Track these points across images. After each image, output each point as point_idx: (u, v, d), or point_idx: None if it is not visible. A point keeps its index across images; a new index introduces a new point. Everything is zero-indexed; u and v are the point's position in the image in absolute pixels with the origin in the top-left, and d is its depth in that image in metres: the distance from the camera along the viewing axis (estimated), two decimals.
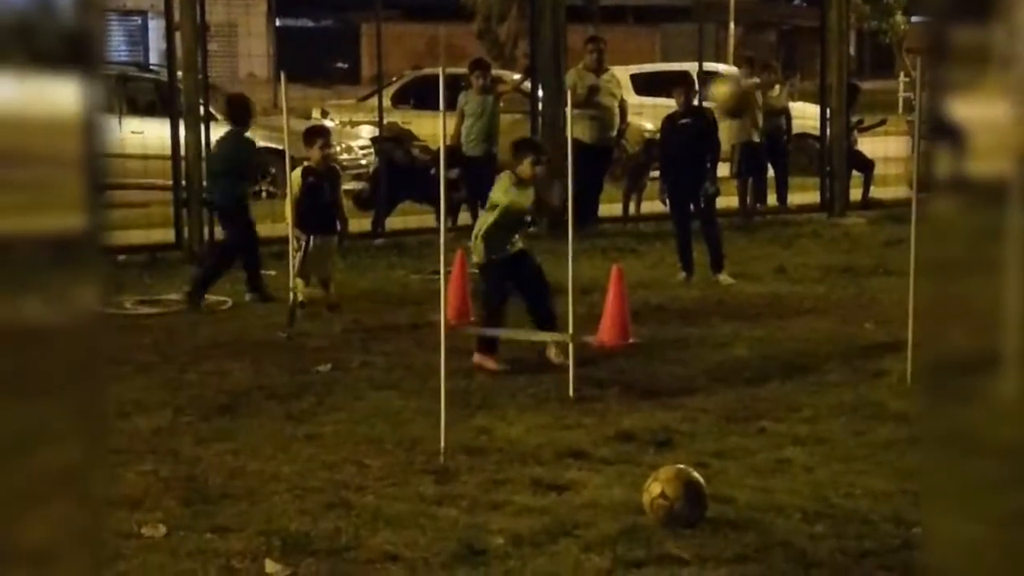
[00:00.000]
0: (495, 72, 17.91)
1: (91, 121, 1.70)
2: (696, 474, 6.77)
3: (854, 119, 18.52)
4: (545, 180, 10.13)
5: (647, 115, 20.12)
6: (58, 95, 1.69)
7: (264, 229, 15.14)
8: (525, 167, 9.84)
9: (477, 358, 9.66)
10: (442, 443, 7.65)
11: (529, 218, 10.28)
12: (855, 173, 18.23)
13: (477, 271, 10.08)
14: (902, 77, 36.55)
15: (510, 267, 9.86)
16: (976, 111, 2.19)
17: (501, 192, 9.83)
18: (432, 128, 13.85)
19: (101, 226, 1.71)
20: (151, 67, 22.07)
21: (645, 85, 22.66)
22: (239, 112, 12.68)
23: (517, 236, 9.98)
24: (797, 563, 6.07)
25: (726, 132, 15.43)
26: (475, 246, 9.89)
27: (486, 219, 9.90)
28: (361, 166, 18.59)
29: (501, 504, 6.86)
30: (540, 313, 9.93)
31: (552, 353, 9.79)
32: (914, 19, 40.90)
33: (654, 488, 6.56)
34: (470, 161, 15.42)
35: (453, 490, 7.10)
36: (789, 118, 18.52)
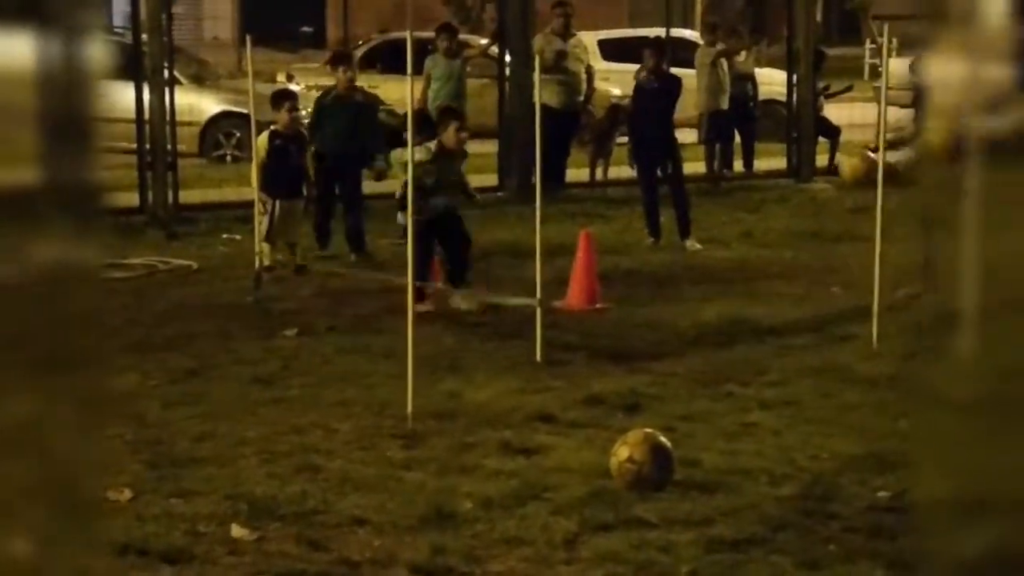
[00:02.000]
0: (462, 37, 17.86)
1: (48, 75, 1.66)
2: (664, 438, 6.78)
3: (820, 85, 18.53)
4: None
5: (615, 81, 20.08)
6: (13, 49, 1.65)
7: (230, 193, 15.09)
8: (450, 134, 10.05)
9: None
10: (410, 407, 7.63)
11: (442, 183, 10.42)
12: (821, 139, 18.24)
13: None
14: (868, 43, 36.57)
15: (435, 226, 10.09)
16: (936, 70, 2.17)
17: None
18: (399, 92, 13.77)
19: (62, 181, 1.68)
20: (115, 29, 21.89)
21: (613, 50, 22.62)
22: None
23: (440, 199, 10.16)
24: (764, 525, 6.09)
25: (694, 99, 15.44)
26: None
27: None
28: None
29: (469, 468, 6.86)
30: (453, 266, 10.31)
31: (458, 301, 10.10)
32: None
33: (622, 452, 6.56)
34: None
35: (421, 454, 7.09)
36: (755, 84, 18.50)
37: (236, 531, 6.06)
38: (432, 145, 10.17)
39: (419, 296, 9.77)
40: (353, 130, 12.56)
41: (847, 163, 15.10)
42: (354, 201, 12.69)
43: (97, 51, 1.70)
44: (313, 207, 12.40)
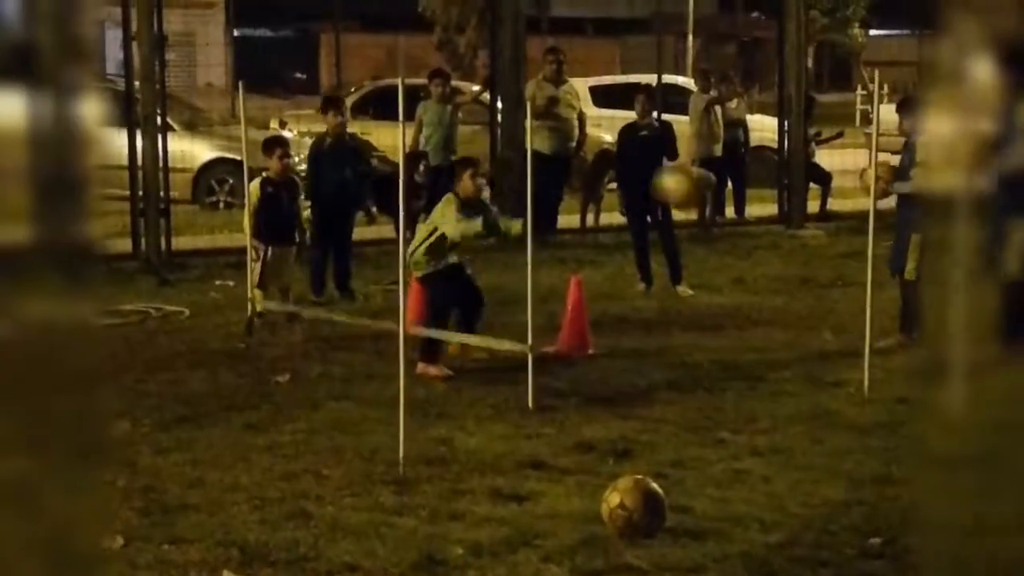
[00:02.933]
0: (454, 83, 17.93)
1: (38, 132, 1.69)
2: (655, 484, 6.78)
3: (811, 131, 18.62)
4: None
5: (606, 127, 20.17)
6: (4, 107, 1.68)
7: (223, 239, 15.12)
8: (466, 184, 10.07)
9: (420, 367, 9.69)
10: (401, 453, 7.63)
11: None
12: (812, 185, 18.32)
13: (420, 282, 10.25)
14: (859, 90, 36.76)
15: (452, 276, 10.11)
16: (928, 126, 2.20)
17: (446, 222, 9.99)
18: (392, 138, 13.82)
19: (53, 238, 1.70)
20: (108, 76, 21.97)
21: (604, 97, 22.72)
22: None
23: (454, 253, 10.20)
24: (755, 573, 6.09)
25: (685, 146, 15.50)
26: (415, 261, 10.07)
27: (425, 238, 10.07)
28: None
29: (460, 514, 6.86)
30: (469, 323, 10.20)
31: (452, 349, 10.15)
32: (872, 32, 41.19)
33: (613, 498, 6.57)
34: (431, 170, 15.43)
35: (412, 500, 7.09)
36: (747, 130, 18.60)
37: None
38: (455, 203, 10.09)
39: (431, 355, 9.80)
40: (348, 175, 12.67)
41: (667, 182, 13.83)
42: (345, 245, 12.86)
43: (90, 108, 1.73)
44: (307, 254, 12.43)
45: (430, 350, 9.79)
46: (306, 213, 12.21)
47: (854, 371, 9.30)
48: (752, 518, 6.78)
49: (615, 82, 24.29)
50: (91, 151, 1.75)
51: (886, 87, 14.41)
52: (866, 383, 9.03)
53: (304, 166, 17.89)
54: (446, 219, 10.07)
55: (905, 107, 10.90)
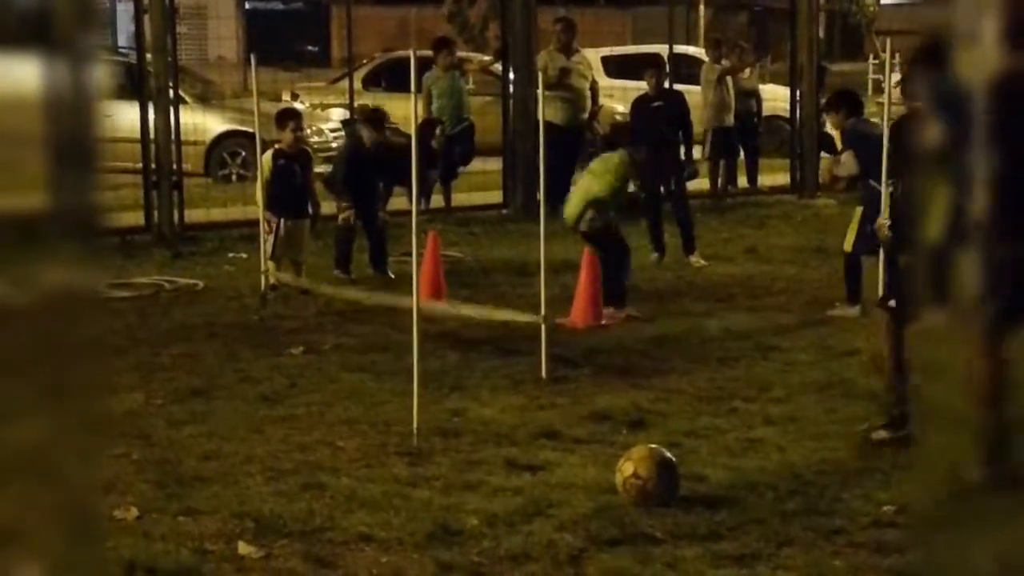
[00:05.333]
0: (464, 54, 17.91)
1: (54, 100, 1.69)
2: (669, 453, 6.79)
3: (823, 101, 18.55)
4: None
5: (618, 98, 20.12)
6: (20, 74, 1.68)
7: (235, 212, 15.13)
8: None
9: (607, 314, 10.38)
10: (415, 424, 7.65)
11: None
12: (825, 155, 18.26)
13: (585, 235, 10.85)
14: (871, 59, 36.58)
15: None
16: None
17: (616, 177, 10.78)
18: (403, 110, 13.81)
19: (69, 205, 1.70)
20: (120, 49, 21.95)
21: (616, 67, 22.66)
22: None
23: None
24: (769, 541, 6.10)
25: (699, 115, 15.48)
26: (579, 214, 10.79)
27: (594, 190, 10.77)
28: (332, 149, 18.55)
29: (475, 485, 6.87)
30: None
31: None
32: (884, 1, 41.00)
33: (627, 468, 6.58)
34: (445, 138, 15.39)
35: (427, 471, 7.10)
36: (760, 100, 18.54)
37: (243, 549, 6.08)
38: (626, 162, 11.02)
39: (619, 300, 10.62)
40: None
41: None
42: (374, 222, 12.53)
43: (102, 75, 1.74)
44: (321, 226, 12.34)
45: (616, 293, 10.44)
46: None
47: (867, 340, 9.29)
48: (766, 486, 6.79)
49: (627, 52, 24.21)
50: (103, 120, 1.74)
51: (898, 56, 14.29)
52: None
53: (316, 138, 17.94)
54: (616, 172, 10.85)
55: (832, 105, 11.07)
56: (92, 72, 1.71)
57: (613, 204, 10.79)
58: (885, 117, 9.77)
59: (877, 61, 33.14)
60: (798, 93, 18.26)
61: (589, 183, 10.89)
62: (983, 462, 4.87)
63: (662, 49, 18.33)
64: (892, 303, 7.42)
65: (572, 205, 10.87)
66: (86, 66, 1.72)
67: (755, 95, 18.32)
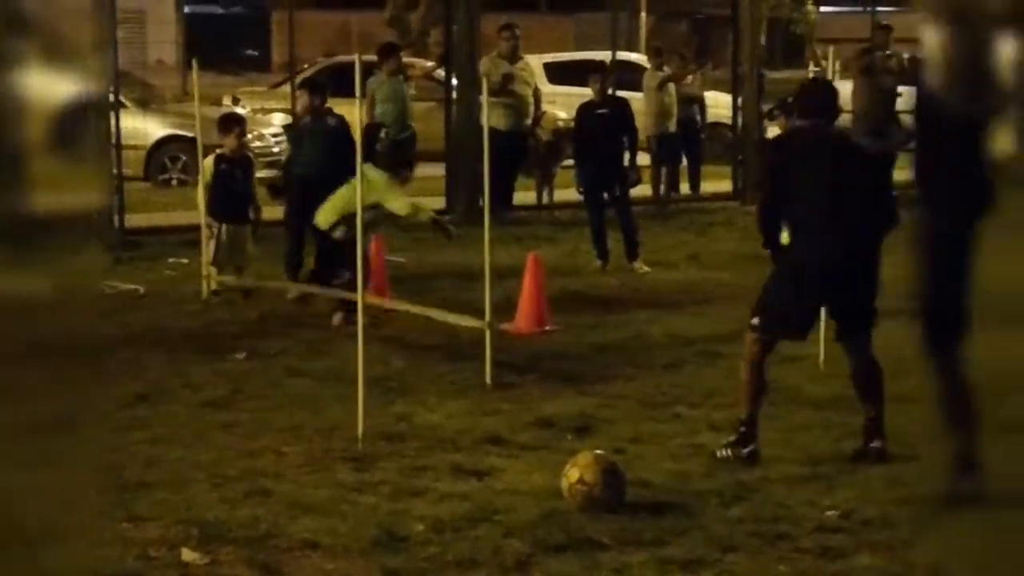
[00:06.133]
0: (407, 60, 17.88)
1: None
2: (614, 459, 6.81)
3: (766, 108, 18.67)
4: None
5: (561, 104, 20.16)
6: None
7: (176, 217, 15.03)
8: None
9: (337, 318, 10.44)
10: (360, 430, 7.63)
11: None
12: None
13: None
14: (812, 67, 36.80)
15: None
16: None
17: (391, 196, 10.59)
18: (347, 115, 13.76)
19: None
20: None
21: (559, 74, 22.70)
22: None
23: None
24: (715, 546, 6.13)
25: (642, 122, 15.53)
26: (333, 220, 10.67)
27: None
28: (274, 154, 18.46)
29: (421, 490, 6.86)
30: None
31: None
32: (824, 9, 41.31)
33: (573, 473, 6.59)
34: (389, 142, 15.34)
35: (372, 477, 7.08)
36: (703, 107, 18.63)
37: (187, 555, 6.04)
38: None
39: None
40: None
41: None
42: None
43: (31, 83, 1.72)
44: (262, 231, 12.25)
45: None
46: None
47: (810, 346, 9.33)
48: (711, 492, 6.82)
49: (569, 59, 24.27)
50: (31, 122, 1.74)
51: (838, 64, 14.41)
52: (822, 358, 9.08)
53: (257, 143, 17.86)
54: (388, 192, 10.52)
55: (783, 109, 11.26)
56: (21, 77, 1.71)
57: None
58: None
59: (818, 69, 33.36)
60: (740, 100, 18.35)
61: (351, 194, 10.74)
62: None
63: (605, 56, 18.40)
64: (755, 321, 7.47)
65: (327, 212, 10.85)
66: (13, 71, 1.71)
67: (698, 102, 18.41)
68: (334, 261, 11.07)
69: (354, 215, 9.92)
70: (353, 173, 11.96)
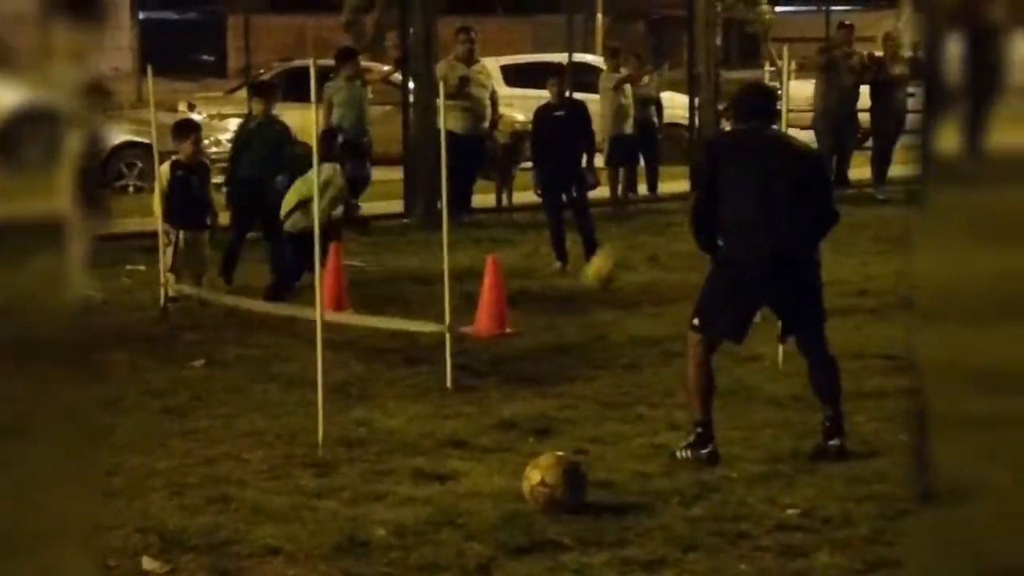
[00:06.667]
0: (365, 64, 17.85)
1: None
2: (575, 460, 6.82)
3: (722, 108, 18.72)
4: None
5: (518, 106, 20.17)
6: None
7: (132, 224, 14.95)
8: None
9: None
10: (320, 435, 7.61)
11: None
12: None
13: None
14: (767, 67, 36.92)
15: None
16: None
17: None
18: (302, 120, 13.73)
19: None
20: None
21: (516, 76, 22.71)
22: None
23: None
24: (676, 546, 6.15)
25: (599, 124, 15.55)
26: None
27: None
28: None
29: (382, 495, 6.85)
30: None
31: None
32: (778, 9, 41.48)
33: (534, 476, 6.60)
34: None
35: (333, 482, 7.07)
36: (660, 108, 18.67)
37: (148, 564, 6.02)
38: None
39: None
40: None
41: (593, 265, 13.66)
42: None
43: None
44: (220, 237, 12.24)
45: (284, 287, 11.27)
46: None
47: (769, 346, 9.38)
48: (672, 492, 6.84)
49: (526, 61, 24.28)
50: None
51: (794, 63, 14.43)
52: (780, 357, 9.11)
53: (214, 148, 17.79)
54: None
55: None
56: None
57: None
58: (783, 124, 9.85)
59: (774, 69, 33.49)
60: (696, 100, 18.40)
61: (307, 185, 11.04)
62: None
63: (561, 58, 18.42)
64: (696, 321, 7.48)
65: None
66: None
67: (654, 103, 18.43)
68: (292, 268, 11.16)
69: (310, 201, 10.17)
70: (293, 179, 12.18)
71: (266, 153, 12.42)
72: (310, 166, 8.90)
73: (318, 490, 6.95)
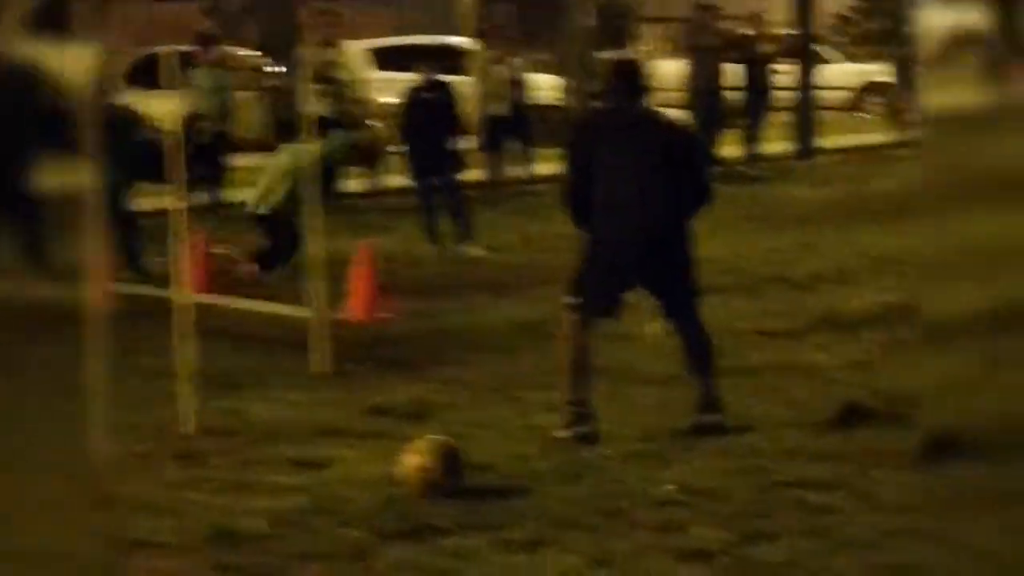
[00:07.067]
0: (229, 50, 17.59)
1: None
2: (453, 444, 6.74)
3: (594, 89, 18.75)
4: None
5: (386, 89, 19.98)
6: None
7: None
8: None
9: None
10: (190, 426, 7.45)
11: None
12: None
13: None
14: (639, 47, 37.12)
15: None
16: None
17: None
18: (166, 108, 13.46)
19: None
20: None
21: (384, 59, 22.51)
22: None
23: None
24: (555, 526, 6.10)
25: (471, 105, 15.49)
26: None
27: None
28: None
29: (255, 485, 6.72)
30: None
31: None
32: None
33: (411, 460, 6.52)
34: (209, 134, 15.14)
35: (204, 473, 6.93)
36: (530, 89, 18.63)
37: None
38: None
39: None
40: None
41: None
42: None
43: None
44: None
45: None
46: None
47: (645, 324, 9.36)
48: (550, 472, 6.81)
49: (394, 44, 24.07)
50: None
51: (661, 43, 14.56)
52: (655, 335, 9.07)
53: None
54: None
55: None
56: None
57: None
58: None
59: (645, 48, 33.67)
60: (567, 81, 18.40)
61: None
62: None
63: (430, 40, 18.32)
64: (569, 300, 7.44)
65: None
66: None
67: (525, 84, 18.40)
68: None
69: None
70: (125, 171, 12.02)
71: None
72: (153, 155, 8.76)
73: (188, 481, 6.80)
